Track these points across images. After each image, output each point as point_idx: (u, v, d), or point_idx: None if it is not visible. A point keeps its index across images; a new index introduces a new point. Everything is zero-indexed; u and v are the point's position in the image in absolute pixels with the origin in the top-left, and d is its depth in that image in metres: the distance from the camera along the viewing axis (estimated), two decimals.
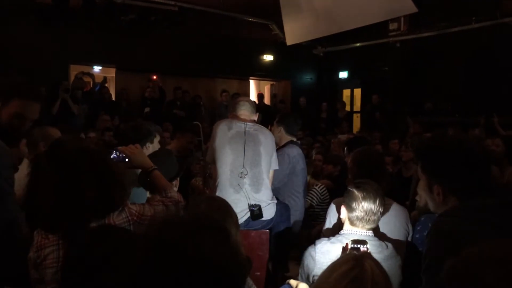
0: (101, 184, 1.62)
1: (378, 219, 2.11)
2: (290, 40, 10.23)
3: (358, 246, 1.76)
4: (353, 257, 1.12)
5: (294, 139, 3.89)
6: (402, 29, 9.39)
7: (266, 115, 7.68)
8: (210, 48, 10.24)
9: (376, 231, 2.15)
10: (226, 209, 2.01)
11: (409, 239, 2.54)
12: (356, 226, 2.08)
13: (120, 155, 2.06)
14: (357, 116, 11.71)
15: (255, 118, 3.35)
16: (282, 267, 3.37)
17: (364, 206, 2.07)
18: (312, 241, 2.19)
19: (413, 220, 2.80)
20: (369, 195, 2.08)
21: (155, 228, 0.91)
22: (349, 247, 1.75)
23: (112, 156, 2.05)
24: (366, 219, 2.07)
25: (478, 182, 1.46)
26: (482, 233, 1.34)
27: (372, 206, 2.07)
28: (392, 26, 9.62)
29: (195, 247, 0.84)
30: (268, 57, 11.88)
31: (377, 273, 1.09)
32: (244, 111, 3.25)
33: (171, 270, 0.83)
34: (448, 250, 1.35)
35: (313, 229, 3.93)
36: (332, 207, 2.61)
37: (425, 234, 2.27)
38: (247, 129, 3.08)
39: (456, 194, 1.47)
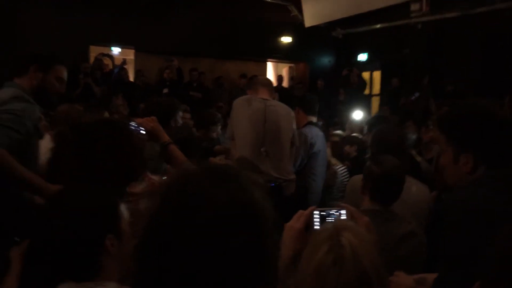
0: (120, 153, 1.64)
1: (399, 195, 2.08)
2: (308, 21, 10.11)
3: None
4: (328, 237, 1.05)
5: (314, 120, 3.87)
6: (424, 9, 9.16)
7: (284, 97, 7.63)
8: (228, 29, 10.18)
9: (398, 209, 2.12)
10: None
11: (430, 217, 2.52)
12: (376, 201, 2.06)
13: (136, 127, 2.08)
14: (376, 100, 11.56)
15: (274, 98, 3.33)
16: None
17: (383, 181, 2.04)
18: None
19: (434, 199, 2.76)
20: (388, 170, 2.06)
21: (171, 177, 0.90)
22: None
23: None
24: (385, 194, 2.04)
25: (508, 149, 1.42)
26: (504, 202, 1.31)
27: (391, 181, 2.04)
28: (414, 6, 9.39)
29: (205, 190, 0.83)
30: (286, 39, 11.76)
31: (356, 244, 1.03)
32: (263, 89, 3.23)
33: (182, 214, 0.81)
34: (470, 221, 1.34)
35: None
36: (350, 185, 2.60)
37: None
38: (267, 105, 3.06)
39: (486, 162, 1.43)
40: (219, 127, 4.21)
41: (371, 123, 3.73)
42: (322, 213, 1.36)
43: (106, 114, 4.70)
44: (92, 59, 9.21)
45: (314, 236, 1.10)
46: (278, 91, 7.02)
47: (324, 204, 3.95)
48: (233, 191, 0.83)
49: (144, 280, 0.82)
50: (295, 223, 1.33)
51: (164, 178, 1.86)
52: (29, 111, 2.30)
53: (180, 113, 3.01)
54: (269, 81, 3.38)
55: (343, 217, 1.35)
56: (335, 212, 1.36)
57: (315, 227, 1.34)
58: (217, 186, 0.83)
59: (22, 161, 2.22)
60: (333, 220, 1.29)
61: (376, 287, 1.00)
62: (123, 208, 1.37)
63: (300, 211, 1.37)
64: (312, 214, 1.35)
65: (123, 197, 1.62)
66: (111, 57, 9.42)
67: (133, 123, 2.11)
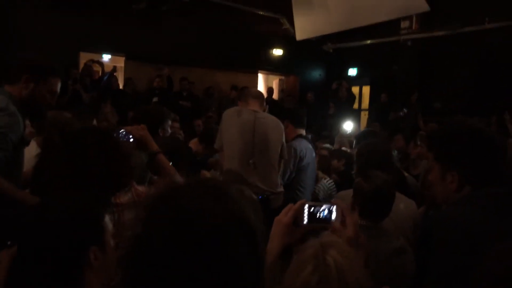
0: (107, 162, 1.62)
1: (389, 211, 2.08)
2: (300, 35, 10.18)
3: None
4: (313, 255, 1.02)
5: (303, 133, 3.87)
6: (414, 27, 9.32)
7: (274, 109, 7.65)
8: (220, 40, 10.21)
9: (386, 224, 2.12)
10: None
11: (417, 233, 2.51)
12: (365, 217, 2.05)
13: (126, 135, 2.05)
14: (365, 114, 11.65)
15: (264, 110, 3.33)
16: (287, 259, 3.35)
17: (372, 199, 2.04)
18: (316, 234, 2.16)
19: (421, 215, 2.77)
20: (378, 186, 2.05)
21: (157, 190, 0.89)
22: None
23: (116, 135, 2.04)
24: (375, 210, 2.04)
25: (494, 169, 1.43)
26: (492, 221, 1.32)
27: (382, 198, 2.04)
28: (404, 24, 9.55)
29: (192, 202, 0.82)
30: (277, 51, 11.84)
31: (342, 263, 0.99)
32: (254, 102, 3.23)
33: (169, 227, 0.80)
34: (458, 239, 1.34)
35: None
36: (340, 195, 2.59)
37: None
38: (257, 117, 3.06)
39: (471, 182, 1.44)
40: None
41: (360, 137, 3.74)
42: (311, 208, 1.32)
43: (94, 122, 4.67)
44: (81, 66, 9.15)
45: (299, 253, 1.08)
46: (268, 103, 7.03)
47: None
48: (224, 203, 0.82)
49: None
50: (283, 217, 1.31)
51: (150, 188, 1.83)
52: (13, 124, 2.21)
53: (169, 122, 2.99)
54: (260, 93, 3.38)
55: (334, 213, 1.32)
56: (325, 207, 1.33)
57: (304, 221, 1.30)
58: (208, 199, 0.82)
59: (6, 170, 2.16)
60: (318, 237, 1.24)
61: None
62: (108, 220, 1.35)
63: (290, 205, 1.35)
64: (302, 208, 1.33)
65: (108, 207, 1.60)
66: (101, 63, 9.37)
67: (122, 131, 2.08)
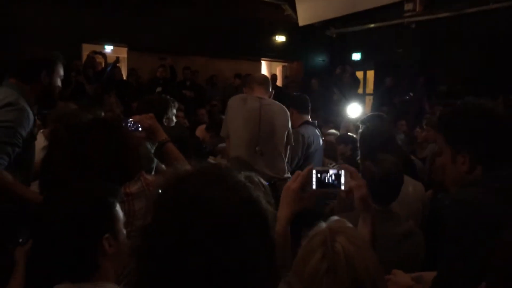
0: (115, 152, 1.62)
1: (397, 194, 2.07)
2: (302, 20, 10.13)
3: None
4: (322, 242, 1.03)
5: (309, 118, 3.85)
6: (417, 9, 9.21)
7: (278, 96, 7.61)
8: (222, 28, 10.15)
9: (394, 207, 2.12)
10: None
11: (426, 216, 2.52)
12: (375, 201, 2.04)
13: (134, 124, 2.05)
14: (369, 99, 11.58)
15: (270, 95, 3.31)
16: (295, 245, 3.36)
17: (381, 182, 2.03)
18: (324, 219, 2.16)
19: (430, 198, 2.76)
20: (387, 170, 2.05)
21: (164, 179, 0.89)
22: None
23: (125, 125, 2.04)
24: (385, 194, 2.03)
25: (506, 149, 1.41)
26: (505, 203, 1.31)
27: (391, 181, 2.04)
28: (407, 6, 9.45)
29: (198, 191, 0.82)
30: (280, 38, 11.74)
31: (350, 250, 1.00)
32: (259, 88, 3.21)
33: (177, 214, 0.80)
34: (471, 220, 1.34)
35: (326, 207, 3.90)
36: None
37: (442, 211, 2.26)
38: (262, 104, 3.04)
39: (483, 163, 1.43)
40: None
41: (366, 121, 3.72)
42: (319, 173, 1.33)
43: (101, 113, 4.67)
44: (84, 57, 9.14)
45: (308, 240, 1.08)
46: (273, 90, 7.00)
47: (319, 202, 3.94)
48: (233, 191, 0.82)
49: (146, 283, 0.81)
50: (292, 184, 1.32)
51: (159, 177, 1.83)
52: (22, 119, 2.19)
53: (174, 111, 2.98)
54: (265, 78, 3.35)
55: (342, 177, 1.32)
56: (333, 172, 1.33)
57: (313, 187, 1.32)
58: (217, 187, 0.82)
59: (17, 165, 2.17)
60: (326, 222, 1.23)
61: None
62: (119, 208, 1.35)
63: (297, 172, 1.36)
64: (310, 174, 1.33)
65: (118, 196, 1.60)
66: (103, 55, 9.35)
67: (130, 121, 2.08)
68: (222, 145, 4.00)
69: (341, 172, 1.32)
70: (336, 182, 1.32)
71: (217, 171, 0.88)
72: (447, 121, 1.55)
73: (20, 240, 1.46)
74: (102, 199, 1.32)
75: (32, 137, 2.33)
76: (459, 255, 1.34)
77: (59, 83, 2.42)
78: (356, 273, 0.98)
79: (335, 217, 1.13)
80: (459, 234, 1.36)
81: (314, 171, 1.33)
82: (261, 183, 1.73)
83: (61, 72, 2.44)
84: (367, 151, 2.54)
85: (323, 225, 1.09)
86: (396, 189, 2.06)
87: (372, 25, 10.15)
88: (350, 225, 1.13)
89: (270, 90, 3.31)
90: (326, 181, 1.33)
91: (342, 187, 1.32)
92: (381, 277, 1.03)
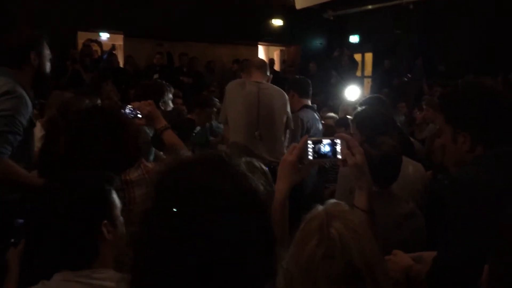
0: (114, 140, 1.62)
1: (397, 176, 2.07)
2: (299, 3, 9.99)
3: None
4: (318, 227, 1.02)
5: (309, 103, 3.84)
6: None
7: (276, 81, 7.58)
8: (218, 13, 10.04)
9: (395, 189, 2.12)
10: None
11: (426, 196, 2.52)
12: (375, 184, 2.03)
13: (133, 111, 2.05)
14: (368, 81, 11.54)
15: (268, 80, 3.30)
16: (294, 228, 3.37)
17: (380, 165, 2.03)
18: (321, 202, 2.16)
19: (429, 179, 2.77)
20: (386, 152, 2.04)
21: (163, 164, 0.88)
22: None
23: (124, 111, 2.04)
24: (385, 177, 2.03)
25: (506, 127, 1.41)
26: (506, 181, 1.31)
27: (390, 163, 2.03)
28: None
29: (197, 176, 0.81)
30: (277, 22, 11.63)
31: (346, 235, 0.99)
32: (257, 73, 3.20)
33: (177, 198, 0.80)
34: (472, 199, 1.34)
35: (325, 190, 3.91)
36: (342, 170, 2.58)
37: (442, 190, 2.27)
38: (260, 88, 3.03)
39: (483, 142, 1.43)
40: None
41: (364, 104, 3.71)
42: (315, 144, 1.32)
43: (99, 102, 4.65)
44: (80, 46, 9.07)
45: (304, 224, 1.08)
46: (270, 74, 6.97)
47: (318, 187, 3.96)
48: (233, 179, 0.81)
49: (144, 270, 0.81)
50: (288, 156, 1.32)
51: (159, 165, 1.83)
52: (21, 106, 2.15)
53: (170, 96, 2.96)
54: (262, 63, 3.33)
55: (338, 146, 1.31)
56: (329, 141, 1.33)
57: (310, 158, 1.32)
58: (217, 174, 0.81)
59: (17, 153, 2.16)
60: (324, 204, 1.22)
61: (368, 279, 0.98)
62: (116, 195, 1.36)
63: (293, 144, 1.36)
64: (306, 145, 1.33)
65: (115, 183, 1.60)
66: (99, 43, 9.27)
67: (130, 107, 2.07)
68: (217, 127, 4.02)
69: (337, 141, 1.32)
70: (332, 151, 1.32)
71: (218, 159, 0.87)
72: (447, 100, 1.55)
73: (12, 240, 1.45)
74: (99, 186, 1.32)
75: (32, 124, 2.32)
76: (459, 235, 1.35)
77: (48, 64, 2.38)
78: (352, 258, 0.97)
79: (333, 200, 1.13)
80: (459, 213, 1.37)
81: (310, 142, 1.33)
82: (262, 169, 1.73)
83: (48, 51, 2.39)
84: (366, 134, 2.53)
85: (320, 208, 1.09)
86: (395, 171, 2.06)
87: (369, 7, 10.04)
88: (347, 208, 1.12)
89: (268, 74, 3.29)
90: (322, 151, 1.33)
91: (339, 156, 1.32)
92: (378, 261, 1.02)
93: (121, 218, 1.34)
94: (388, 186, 2.06)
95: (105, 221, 1.25)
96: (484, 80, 1.49)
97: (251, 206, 0.81)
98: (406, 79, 8.84)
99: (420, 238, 1.99)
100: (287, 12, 10.59)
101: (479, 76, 1.52)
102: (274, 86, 3.22)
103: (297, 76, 4.57)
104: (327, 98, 8.31)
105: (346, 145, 1.32)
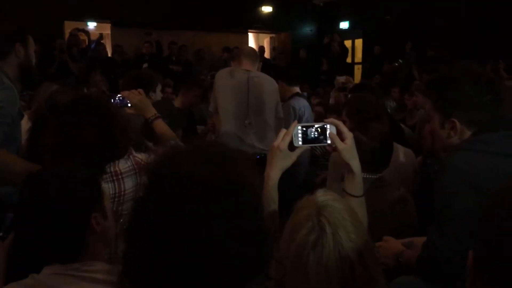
0: (102, 130, 1.59)
1: (388, 162, 2.07)
2: None
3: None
4: (308, 216, 1.02)
5: (299, 90, 3.83)
6: None
7: (266, 68, 7.54)
8: (208, 0, 9.94)
9: (387, 174, 2.12)
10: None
11: (416, 182, 2.54)
12: (366, 171, 2.04)
13: (122, 100, 2.02)
14: (358, 68, 11.54)
15: (257, 68, 3.28)
16: (287, 216, 3.39)
17: (371, 152, 2.03)
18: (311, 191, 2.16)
19: (419, 164, 2.78)
20: (377, 138, 2.05)
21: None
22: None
23: (114, 101, 2.01)
24: (376, 163, 2.03)
25: (493, 113, 1.41)
26: (492, 165, 1.32)
27: (381, 150, 2.04)
28: None
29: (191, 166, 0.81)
30: (266, 9, 11.56)
31: (336, 223, 1.00)
32: (247, 61, 3.17)
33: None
34: (460, 184, 1.35)
35: (317, 178, 3.93)
36: (333, 157, 2.58)
37: (432, 176, 2.28)
38: (250, 77, 3.01)
39: (471, 127, 1.43)
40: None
41: (354, 90, 3.71)
42: (304, 129, 1.33)
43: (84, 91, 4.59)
44: (67, 35, 8.95)
45: (295, 213, 1.08)
46: (261, 62, 6.93)
47: (311, 174, 3.97)
48: (225, 170, 0.81)
49: (135, 263, 0.80)
50: (278, 142, 1.32)
51: (149, 155, 1.81)
52: (11, 97, 2.14)
53: (160, 85, 2.94)
54: (252, 51, 3.31)
55: (328, 130, 1.32)
56: (318, 126, 1.33)
57: (299, 143, 1.33)
58: (209, 166, 0.80)
59: (7, 146, 2.13)
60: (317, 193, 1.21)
61: (359, 268, 0.98)
62: (105, 186, 1.34)
63: (283, 130, 1.36)
64: (296, 130, 1.33)
65: (104, 173, 1.59)
66: (86, 32, 9.15)
67: (119, 96, 2.05)
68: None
69: (326, 126, 1.33)
70: (321, 136, 1.33)
71: (210, 150, 0.87)
72: (435, 86, 1.54)
73: (0, 234, 1.43)
74: (89, 178, 1.31)
75: (20, 115, 2.30)
76: (448, 220, 1.36)
77: (33, 55, 2.35)
78: (342, 246, 0.98)
79: (322, 190, 1.13)
80: (448, 198, 1.38)
81: (299, 127, 1.33)
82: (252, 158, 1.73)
83: (33, 44, 2.37)
84: (356, 121, 2.53)
85: (310, 197, 1.09)
86: (386, 157, 2.06)
87: None
88: (337, 196, 1.12)
89: (258, 62, 3.27)
90: (312, 136, 1.33)
91: (328, 141, 1.32)
92: (368, 248, 1.03)
93: (110, 210, 1.33)
94: (379, 172, 2.07)
95: (95, 214, 1.24)
96: (472, 65, 1.49)
97: (244, 198, 0.80)
98: (397, 64, 8.84)
99: (411, 223, 2.01)
100: None
101: (468, 62, 1.52)
102: (264, 74, 3.20)
103: (283, 65, 4.56)
104: (317, 85, 8.29)
105: (335, 130, 1.32)
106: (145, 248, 0.78)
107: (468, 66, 1.49)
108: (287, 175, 3.06)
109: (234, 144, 2.85)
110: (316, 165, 4.30)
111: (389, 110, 4.02)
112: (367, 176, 2.01)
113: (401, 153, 2.48)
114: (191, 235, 0.75)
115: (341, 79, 5.47)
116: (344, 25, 11.97)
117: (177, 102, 4.20)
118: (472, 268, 0.71)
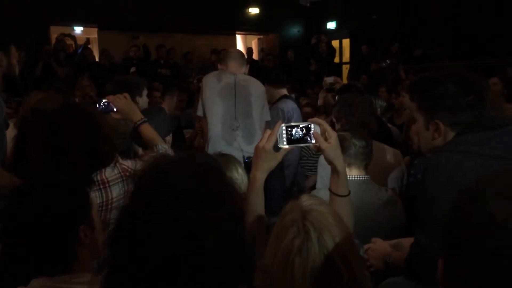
0: (88, 139, 1.58)
1: (371, 154, 2.10)
2: None
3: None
4: (293, 221, 1.03)
5: (286, 93, 3.84)
6: None
7: (255, 70, 7.54)
8: (194, 3, 9.93)
9: (375, 176, 2.15)
10: (233, 164, 1.95)
11: (404, 182, 2.56)
12: (350, 167, 2.05)
13: (108, 105, 2.01)
14: (346, 68, 11.59)
15: (245, 70, 3.28)
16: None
17: (356, 142, 2.06)
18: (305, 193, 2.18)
19: (407, 164, 2.80)
20: (358, 133, 2.08)
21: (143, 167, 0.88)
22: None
23: (99, 106, 2.00)
24: (360, 156, 2.05)
25: (477, 114, 1.43)
26: (476, 166, 1.33)
27: (363, 142, 2.07)
28: None
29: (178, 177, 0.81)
30: (254, 10, 11.58)
31: (320, 227, 1.02)
32: (234, 64, 3.17)
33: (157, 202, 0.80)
34: (445, 185, 1.36)
35: (307, 180, 3.94)
36: (321, 158, 2.60)
37: (419, 176, 2.30)
38: (237, 80, 3.01)
39: (455, 128, 1.45)
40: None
41: (341, 91, 3.74)
42: (289, 129, 1.34)
43: (74, 99, 4.56)
44: (53, 40, 8.87)
45: (280, 219, 1.09)
46: (248, 64, 6.92)
47: (300, 176, 3.98)
48: (211, 182, 0.82)
49: (119, 271, 0.81)
50: (264, 143, 1.33)
51: (136, 162, 1.80)
52: None
53: (146, 90, 2.92)
54: (238, 54, 3.31)
55: (312, 130, 1.33)
56: (303, 126, 1.34)
57: (284, 144, 1.34)
58: (194, 177, 0.82)
59: None
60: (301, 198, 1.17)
61: (345, 271, 0.99)
62: (92, 196, 1.34)
63: (267, 130, 1.36)
64: (281, 131, 1.33)
65: (92, 184, 1.58)
66: (73, 37, 9.08)
67: (104, 101, 2.03)
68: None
69: (310, 125, 1.33)
70: (306, 136, 1.33)
71: (197, 161, 0.88)
72: (418, 88, 1.56)
73: None
74: (77, 189, 1.30)
75: (5, 124, 2.27)
76: (433, 220, 1.37)
77: (17, 64, 2.34)
78: (327, 251, 0.99)
79: (306, 195, 1.14)
80: (432, 199, 1.39)
81: (283, 127, 1.34)
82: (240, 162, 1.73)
83: (15, 53, 2.36)
84: (343, 124, 2.56)
85: (295, 202, 1.10)
86: (368, 157, 2.10)
87: None
88: (322, 201, 1.14)
89: (245, 64, 3.27)
90: (297, 136, 1.34)
91: (313, 141, 1.33)
92: (353, 252, 1.04)
93: (98, 220, 1.33)
94: (364, 172, 2.09)
95: (84, 226, 1.23)
96: (455, 68, 1.51)
97: (226, 208, 0.81)
98: (384, 64, 8.90)
99: (399, 224, 2.03)
100: (264, 0, 10.53)
101: (454, 61, 1.54)
102: (251, 77, 3.21)
103: (269, 68, 4.57)
104: (305, 86, 8.32)
105: (320, 130, 1.33)
106: (126, 255, 0.78)
107: (450, 68, 1.51)
108: (277, 177, 3.06)
109: (222, 148, 2.85)
110: (305, 167, 4.31)
111: (379, 110, 4.07)
112: (354, 178, 2.03)
113: (389, 154, 2.50)
114: (173, 244, 0.76)
115: (329, 79, 5.49)
116: (331, 25, 12.02)
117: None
118: (443, 278, 0.71)
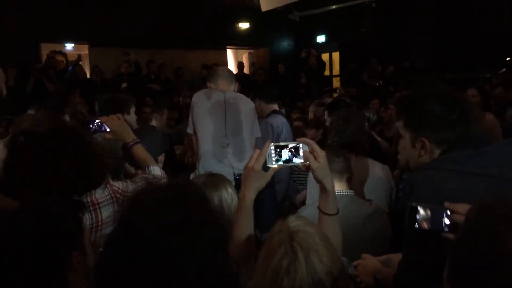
0: (78, 160, 1.59)
1: (350, 169, 2.13)
2: (264, 6, 10.06)
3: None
4: (281, 242, 1.05)
5: (276, 108, 3.88)
6: None
7: (246, 84, 7.59)
8: (185, 19, 10.01)
9: (364, 189, 2.18)
10: (222, 183, 1.96)
11: (393, 197, 2.58)
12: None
13: (101, 125, 2.02)
14: (337, 80, 11.69)
15: (234, 88, 3.31)
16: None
17: (334, 158, 2.08)
18: (296, 208, 2.20)
19: (396, 179, 2.83)
20: (333, 150, 2.12)
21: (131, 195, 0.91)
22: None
23: (92, 126, 2.01)
24: (339, 171, 2.08)
25: (462, 131, 1.46)
26: (460, 184, 1.36)
27: (341, 157, 2.11)
28: None
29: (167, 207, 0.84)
30: (244, 25, 11.69)
31: (308, 247, 1.04)
32: (223, 81, 3.20)
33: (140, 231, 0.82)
34: (430, 202, 1.38)
35: (298, 195, 3.95)
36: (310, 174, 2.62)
37: (407, 191, 2.33)
38: (226, 97, 3.04)
39: (440, 146, 1.48)
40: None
41: (331, 106, 3.78)
42: (278, 149, 1.35)
43: (67, 117, 4.56)
44: (44, 58, 8.88)
45: (268, 240, 1.10)
46: (239, 78, 6.96)
47: (291, 190, 3.99)
48: (194, 210, 0.84)
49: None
50: (253, 163, 1.34)
51: (127, 184, 1.81)
52: None
53: (133, 108, 2.94)
54: (227, 71, 3.34)
55: (300, 150, 1.34)
56: (291, 147, 1.35)
57: (273, 164, 1.35)
58: (179, 207, 0.85)
59: None
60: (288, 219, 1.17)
61: None
62: (85, 219, 1.34)
63: (257, 150, 1.38)
64: (269, 151, 1.35)
65: (84, 208, 1.58)
66: (64, 54, 9.09)
67: (97, 122, 2.04)
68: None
69: (299, 145, 1.35)
70: (295, 156, 1.35)
71: (185, 189, 0.91)
72: (403, 106, 1.59)
73: None
74: (70, 215, 1.30)
75: None
76: (419, 237, 1.39)
77: (4, 86, 2.35)
78: (315, 271, 1.01)
79: (294, 216, 1.16)
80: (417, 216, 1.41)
81: (272, 147, 1.36)
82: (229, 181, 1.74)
83: (3, 76, 2.36)
84: (334, 137, 2.59)
85: (282, 223, 1.11)
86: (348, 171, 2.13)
87: (334, 7, 10.19)
88: (309, 221, 1.16)
89: (235, 82, 3.30)
90: (286, 156, 1.36)
91: (302, 160, 1.35)
92: (341, 272, 1.06)
93: (90, 245, 1.33)
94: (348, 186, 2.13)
95: (75, 252, 1.23)
96: (441, 86, 1.54)
97: (208, 236, 0.83)
98: (378, 84, 9.00)
99: (384, 236, 2.05)
100: (254, 15, 10.65)
101: (442, 74, 1.57)
102: (240, 94, 3.24)
103: (259, 83, 4.61)
104: (296, 100, 8.37)
105: (309, 149, 1.35)
106: (112, 281, 0.80)
107: (438, 87, 1.54)
108: (269, 192, 3.06)
109: (213, 165, 2.86)
110: (297, 181, 4.32)
111: (367, 123, 4.11)
112: (338, 193, 2.06)
113: (378, 168, 2.53)
114: (154, 271, 0.78)
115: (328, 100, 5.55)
116: (321, 38, 12.16)
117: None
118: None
